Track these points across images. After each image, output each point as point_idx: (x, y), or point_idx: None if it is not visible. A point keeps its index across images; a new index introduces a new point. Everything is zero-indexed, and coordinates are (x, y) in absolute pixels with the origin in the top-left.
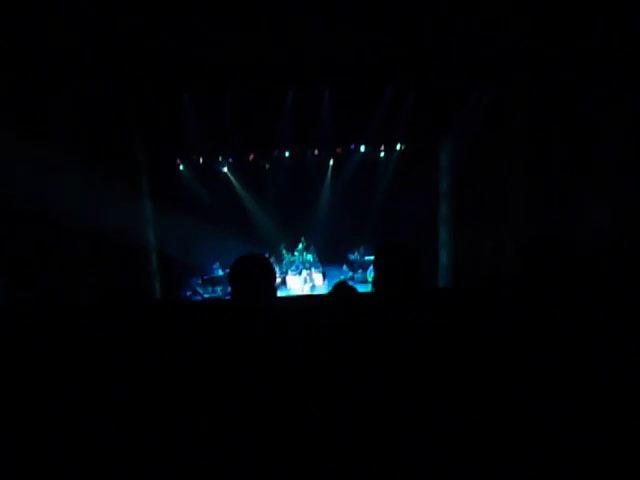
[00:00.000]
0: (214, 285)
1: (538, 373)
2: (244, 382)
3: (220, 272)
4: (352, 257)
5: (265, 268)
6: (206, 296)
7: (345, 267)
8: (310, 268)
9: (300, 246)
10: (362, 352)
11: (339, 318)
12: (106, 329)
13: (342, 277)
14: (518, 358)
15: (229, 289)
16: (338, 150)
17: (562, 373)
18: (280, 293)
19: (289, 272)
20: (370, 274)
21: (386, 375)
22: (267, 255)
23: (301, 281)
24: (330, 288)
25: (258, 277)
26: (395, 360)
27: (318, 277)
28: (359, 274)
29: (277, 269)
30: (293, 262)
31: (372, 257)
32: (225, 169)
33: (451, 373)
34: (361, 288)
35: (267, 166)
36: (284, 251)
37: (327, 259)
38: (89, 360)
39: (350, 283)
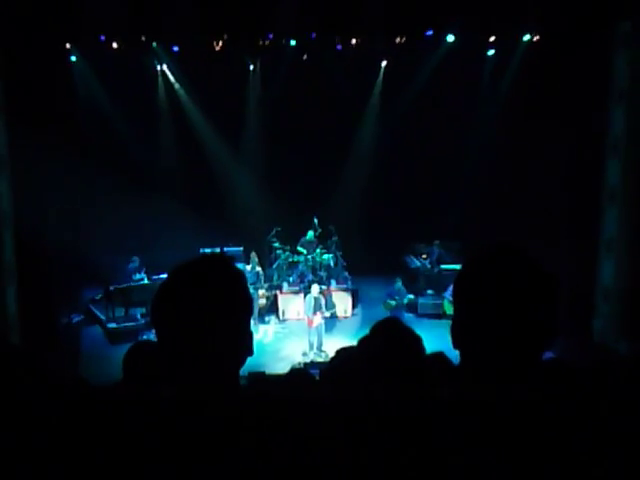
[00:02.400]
0: (129, 303)
1: None
2: None
3: (143, 278)
4: (415, 263)
5: (230, 298)
6: (111, 326)
7: (399, 283)
8: (328, 280)
9: (310, 235)
10: None
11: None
12: None
13: (392, 303)
14: None
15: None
16: (398, 40)
17: None
18: (260, 328)
19: (284, 285)
20: (449, 299)
21: None
22: (239, 253)
23: (308, 305)
24: (363, 329)
25: (211, 322)
26: None
27: (342, 299)
28: (427, 298)
29: (260, 277)
30: (294, 265)
31: (455, 266)
32: (164, 67)
33: None
34: (430, 332)
35: (251, 66)
36: (277, 244)
37: (363, 264)
38: None
39: (407, 317)
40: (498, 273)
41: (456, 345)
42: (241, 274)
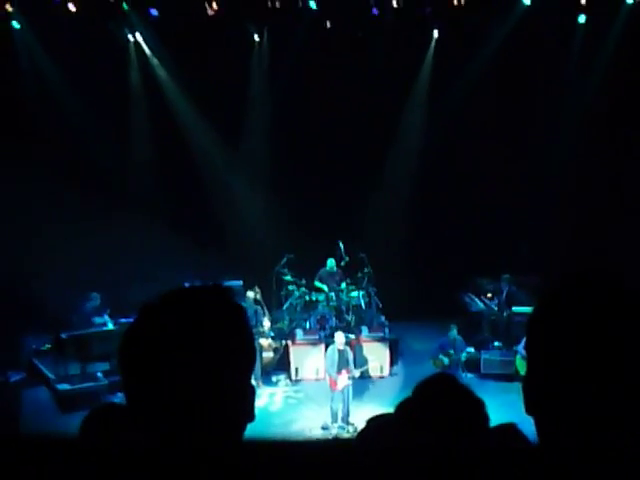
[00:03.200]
0: (87, 357)
1: None
2: None
3: (107, 323)
4: (477, 305)
5: (225, 340)
6: (62, 387)
7: (454, 331)
8: (357, 326)
9: (332, 265)
10: None
11: None
12: None
13: (444, 359)
14: None
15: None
16: (455, 1)
17: None
18: (264, 392)
19: (298, 333)
20: (524, 353)
21: None
22: (238, 288)
23: (330, 360)
24: (405, 392)
25: (201, 365)
26: None
27: (377, 352)
28: (493, 352)
29: (259, 319)
30: (312, 305)
31: (526, 309)
32: (138, 37)
33: None
34: (497, 399)
35: (257, 37)
36: (288, 276)
37: (405, 305)
38: None
39: (465, 379)
40: (589, 313)
41: (530, 410)
42: (240, 310)
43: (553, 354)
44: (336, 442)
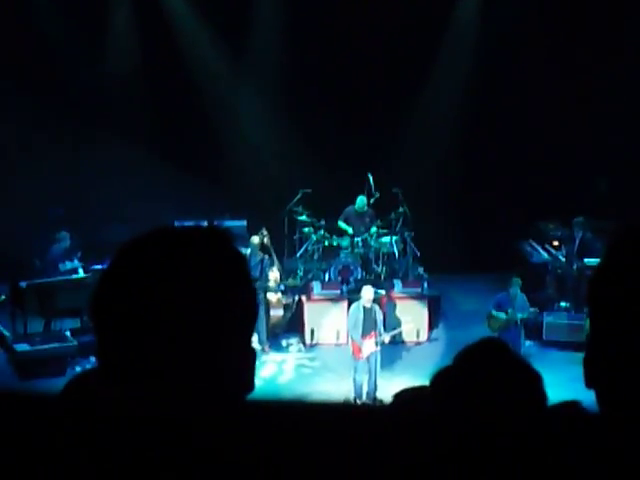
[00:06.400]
0: (52, 311)
1: None
2: None
3: (77, 269)
4: (540, 255)
5: (220, 294)
6: (21, 349)
7: (517, 286)
8: (389, 280)
9: (360, 203)
10: None
11: None
12: None
13: (501, 316)
14: None
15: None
16: None
17: None
18: (272, 359)
19: (315, 286)
20: (585, 321)
21: None
22: (241, 229)
23: (354, 321)
24: (446, 362)
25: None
26: None
27: (413, 311)
28: (559, 314)
29: (266, 270)
30: (332, 252)
31: (592, 261)
32: None
33: None
34: (562, 371)
35: None
36: (303, 216)
37: (449, 255)
38: None
39: (525, 346)
40: None
41: (591, 383)
42: (240, 256)
43: (622, 313)
44: (356, 409)
